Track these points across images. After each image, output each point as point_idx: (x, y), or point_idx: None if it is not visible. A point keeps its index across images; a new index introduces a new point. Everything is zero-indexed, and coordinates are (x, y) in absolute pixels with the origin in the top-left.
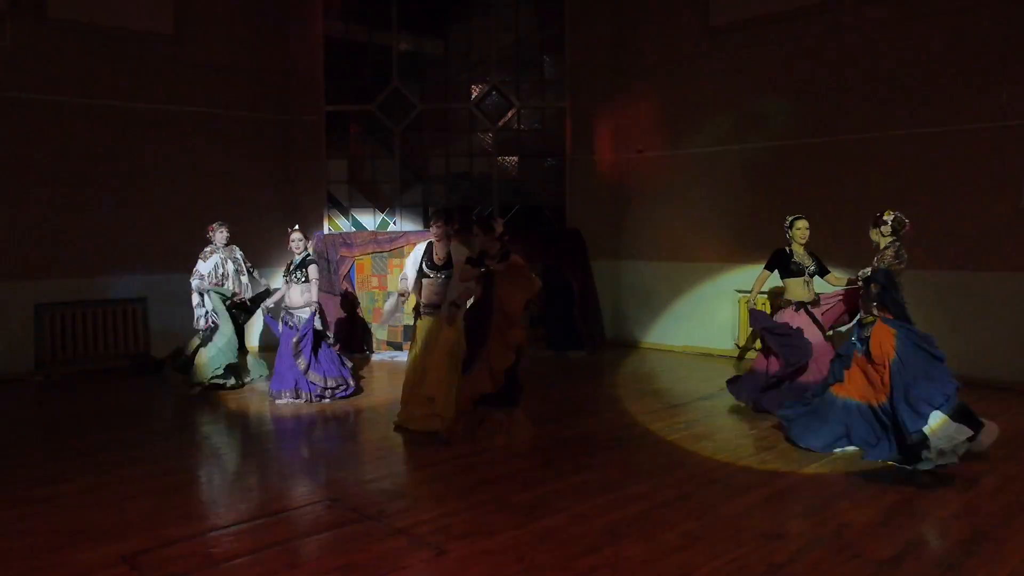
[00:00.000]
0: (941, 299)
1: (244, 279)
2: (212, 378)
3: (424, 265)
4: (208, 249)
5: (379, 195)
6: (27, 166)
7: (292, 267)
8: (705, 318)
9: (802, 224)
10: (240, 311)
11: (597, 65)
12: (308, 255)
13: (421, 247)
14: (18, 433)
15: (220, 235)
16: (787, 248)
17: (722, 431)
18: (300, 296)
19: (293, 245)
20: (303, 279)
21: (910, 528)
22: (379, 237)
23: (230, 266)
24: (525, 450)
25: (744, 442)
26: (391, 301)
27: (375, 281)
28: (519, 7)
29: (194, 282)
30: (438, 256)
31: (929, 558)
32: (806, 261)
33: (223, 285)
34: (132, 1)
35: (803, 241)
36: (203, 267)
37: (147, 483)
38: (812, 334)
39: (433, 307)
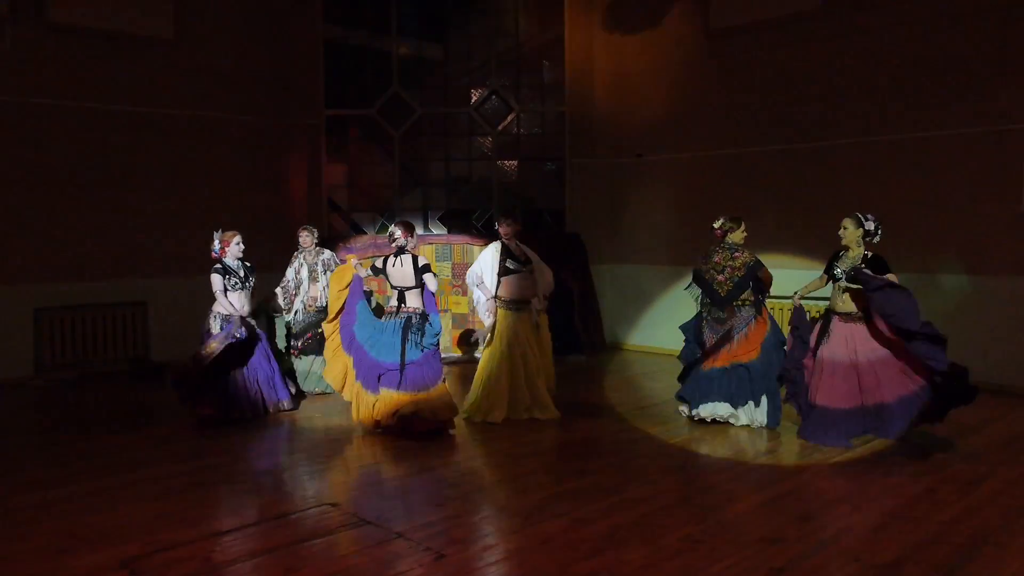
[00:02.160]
0: (940, 303)
1: (319, 286)
2: (319, 390)
3: (508, 263)
4: (295, 253)
5: (379, 199)
6: (26, 170)
7: (246, 273)
8: None
9: (841, 223)
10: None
11: (596, 69)
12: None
13: (490, 249)
14: (17, 437)
15: (302, 239)
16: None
17: (722, 435)
18: (252, 304)
19: (238, 249)
20: (253, 286)
21: (910, 532)
22: (378, 241)
23: (304, 272)
24: (525, 454)
25: (744, 446)
26: (484, 306)
27: (374, 285)
28: (519, 11)
29: (278, 291)
30: (520, 252)
31: (929, 562)
32: (844, 265)
33: (298, 292)
34: (132, 5)
35: (845, 243)
36: (289, 272)
37: (147, 487)
38: (834, 350)
39: (523, 302)
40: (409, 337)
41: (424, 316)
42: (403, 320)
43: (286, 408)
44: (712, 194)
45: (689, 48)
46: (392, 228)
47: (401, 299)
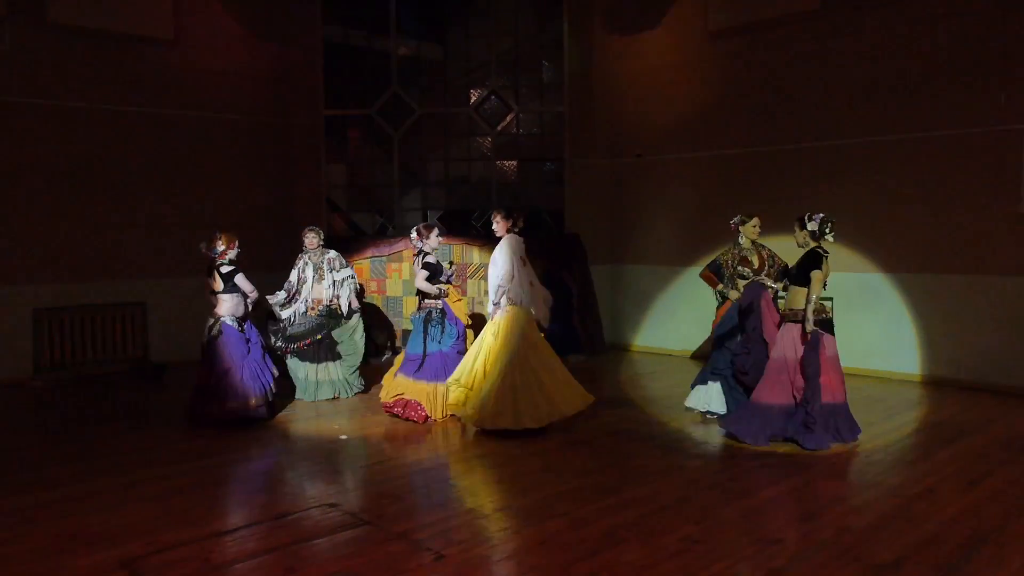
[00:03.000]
0: (940, 304)
1: (325, 284)
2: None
3: None
4: (300, 254)
5: (378, 199)
6: (26, 170)
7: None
8: (704, 322)
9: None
10: (330, 320)
11: (595, 69)
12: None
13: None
14: (17, 438)
15: (307, 240)
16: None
17: (721, 435)
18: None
19: (235, 251)
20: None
21: (909, 532)
22: (378, 242)
23: (309, 272)
24: (524, 454)
25: (743, 447)
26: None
27: (374, 285)
28: (518, 11)
29: (279, 294)
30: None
31: (928, 562)
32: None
33: (301, 292)
34: (132, 5)
35: (798, 245)
36: (292, 273)
37: (146, 488)
38: (781, 348)
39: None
40: (428, 331)
41: (443, 312)
42: (424, 315)
43: (272, 394)
44: (711, 194)
45: (688, 48)
46: (412, 232)
47: (421, 296)
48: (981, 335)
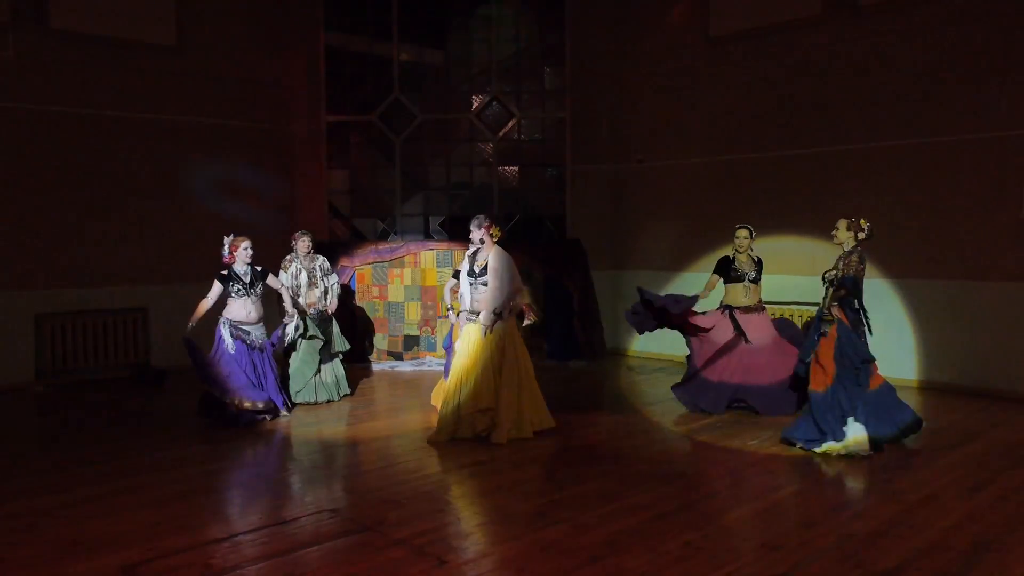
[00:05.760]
0: (942, 309)
1: (317, 291)
2: (298, 400)
3: (466, 272)
4: (288, 258)
5: (380, 205)
6: (28, 176)
7: (253, 279)
8: None
9: (739, 233)
10: (321, 324)
11: (597, 75)
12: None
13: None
14: (17, 443)
15: (301, 244)
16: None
17: (723, 441)
18: (260, 310)
19: (246, 254)
20: (261, 292)
21: (911, 538)
22: (379, 247)
23: (303, 277)
24: (525, 460)
25: (745, 452)
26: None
27: (375, 291)
28: (520, 18)
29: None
30: (478, 263)
31: (930, 569)
32: (746, 268)
33: (297, 296)
34: (135, 11)
35: (742, 249)
36: (283, 277)
37: (147, 493)
38: (724, 335)
39: (475, 314)
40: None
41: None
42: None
43: (261, 409)
44: (713, 200)
45: (689, 54)
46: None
47: None
48: (983, 341)
